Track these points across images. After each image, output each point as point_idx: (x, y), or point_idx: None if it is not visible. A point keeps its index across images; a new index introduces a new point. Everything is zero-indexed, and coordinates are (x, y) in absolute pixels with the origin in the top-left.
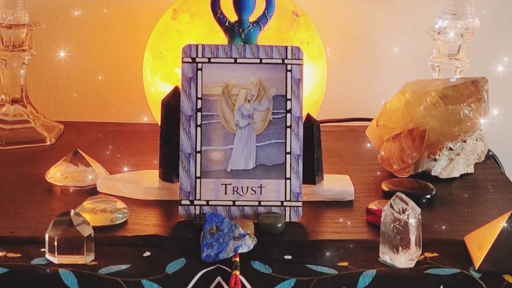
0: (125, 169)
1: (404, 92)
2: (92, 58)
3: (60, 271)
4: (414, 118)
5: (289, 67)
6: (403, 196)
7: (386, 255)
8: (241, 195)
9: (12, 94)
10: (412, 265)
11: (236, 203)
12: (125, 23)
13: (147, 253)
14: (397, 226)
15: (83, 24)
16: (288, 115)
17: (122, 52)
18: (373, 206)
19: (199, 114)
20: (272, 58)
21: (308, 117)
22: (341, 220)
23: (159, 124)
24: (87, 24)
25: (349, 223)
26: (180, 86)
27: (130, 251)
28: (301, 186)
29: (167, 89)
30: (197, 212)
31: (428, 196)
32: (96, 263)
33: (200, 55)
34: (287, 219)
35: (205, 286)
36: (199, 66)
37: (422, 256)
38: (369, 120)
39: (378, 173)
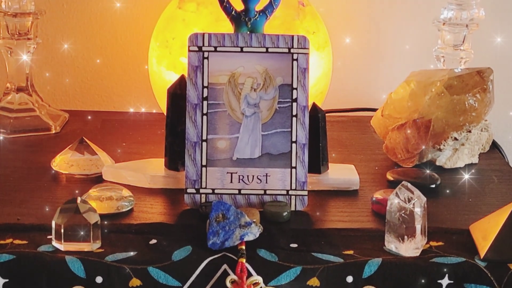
0: (131, 157)
1: (409, 82)
2: (97, 47)
3: (66, 258)
4: (419, 108)
5: (295, 56)
6: (409, 185)
7: (392, 244)
8: (246, 184)
9: (18, 82)
10: (418, 254)
11: (242, 191)
12: (131, 11)
13: (153, 241)
14: (402, 215)
15: (88, 13)
16: (294, 104)
17: (128, 40)
18: (378, 195)
19: (205, 102)
20: (278, 47)
21: (314, 106)
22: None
23: (165, 113)
24: (92, 13)
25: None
26: (186, 75)
27: (136, 238)
28: (306, 175)
29: (172, 78)
30: (203, 200)
31: (433, 186)
32: (103, 250)
33: (206, 43)
34: (293, 208)
35: (211, 273)
36: (205, 54)
37: (428, 245)
38: (374, 110)
39: (383, 162)
